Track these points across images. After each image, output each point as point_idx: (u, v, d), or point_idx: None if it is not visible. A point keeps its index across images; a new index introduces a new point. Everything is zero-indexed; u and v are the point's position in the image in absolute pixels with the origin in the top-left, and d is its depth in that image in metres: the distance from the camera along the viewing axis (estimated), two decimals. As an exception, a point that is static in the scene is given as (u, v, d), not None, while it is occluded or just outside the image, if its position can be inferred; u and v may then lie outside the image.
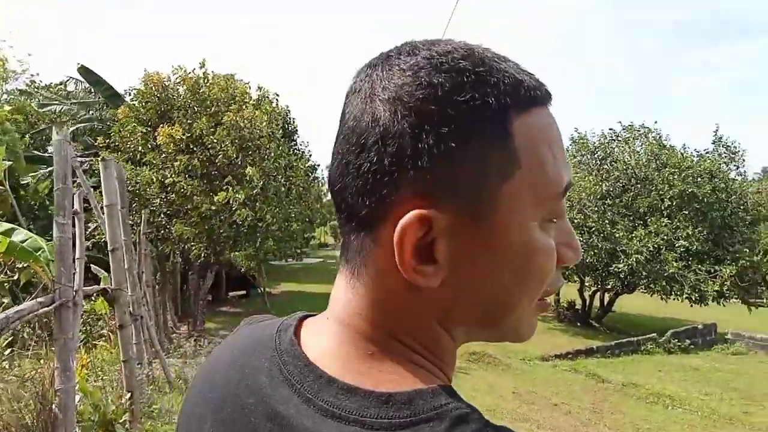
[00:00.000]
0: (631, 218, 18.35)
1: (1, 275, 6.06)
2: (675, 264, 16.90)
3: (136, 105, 10.62)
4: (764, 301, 22.82)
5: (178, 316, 13.73)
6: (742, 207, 18.80)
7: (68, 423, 3.24)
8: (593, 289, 19.60)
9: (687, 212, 18.13)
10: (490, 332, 0.55)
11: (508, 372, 11.46)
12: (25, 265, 5.90)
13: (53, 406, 3.31)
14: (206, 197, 9.21)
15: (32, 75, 20.97)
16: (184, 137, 9.37)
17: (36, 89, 17.13)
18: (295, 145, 18.99)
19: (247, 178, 9.31)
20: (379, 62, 0.52)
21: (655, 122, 26.45)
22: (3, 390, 3.68)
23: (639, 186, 18.85)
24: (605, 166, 19.50)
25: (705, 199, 17.97)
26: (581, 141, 20.18)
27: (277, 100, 14.44)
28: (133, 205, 9.95)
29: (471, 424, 0.44)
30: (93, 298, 7.60)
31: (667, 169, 18.44)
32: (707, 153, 19.32)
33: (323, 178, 13.09)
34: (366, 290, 0.52)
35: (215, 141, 9.32)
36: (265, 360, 0.55)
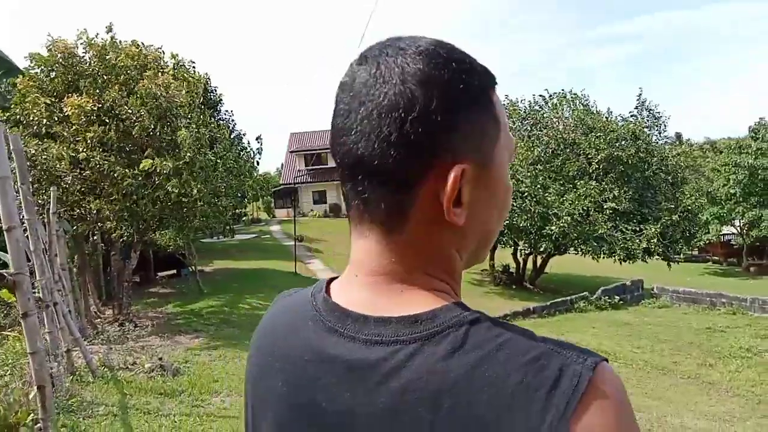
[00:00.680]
0: (562, 182, 18.77)
1: None
2: (604, 225, 17.47)
3: (38, 74, 9.64)
4: (681, 257, 24.19)
5: (102, 300, 12.88)
6: (663, 169, 19.63)
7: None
8: (526, 252, 20.01)
9: (613, 175, 18.73)
10: (480, 255, 0.71)
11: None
12: None
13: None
14: (127, 170, 8.42)
15: None
16: (95, 108, 8.53)
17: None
18: (219, 114, 18.10)
19: (179, 144, 8.56)
20: (387, 46, 0.63)
21: (583, 89, 27.04)
22: None
23: (568, 150, 19.28)
24: (536, 132, 19.80)
25: (629, 161, 18.60)
26: (512, 108, 20.34)
27: (194, 68, 13.61)
28: (42, 183, 9.07)
29: (483, 323, 0.57)
30: (-2, 286, 6.85)
31: (593, 133, 18.91)
32: (631, 116, 19.96)
33: (251, 149, 12.46)
34: (406, 241, 0.62)
35: (129, 111, 8.53)
36: (308, 319, 0.66)
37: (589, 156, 18.84)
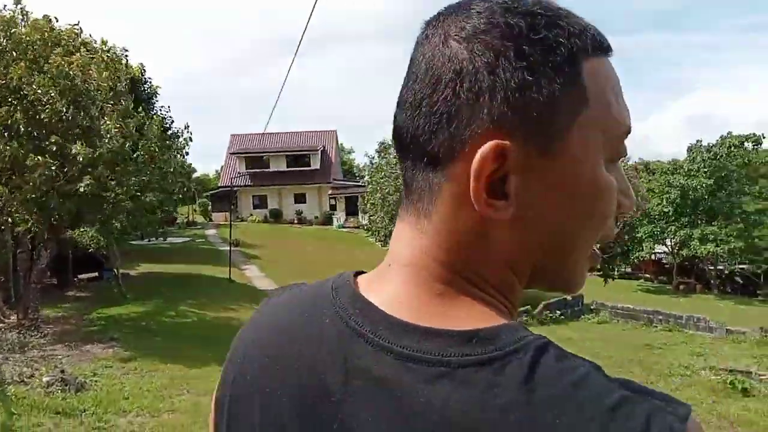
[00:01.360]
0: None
1: None
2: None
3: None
4: (616, 274, 24.68)
5: (8, 304, 11.58)
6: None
7: None
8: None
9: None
10: (549, 276, 0.55)
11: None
12: None
13: None
14: (40, 157, 7.39)
15: None
16: (-3, 87, 7.52)
17: None
18: (153, 109, 16.98)
19: (98, 132, 7.63)
20: (451, 10, 0.52)
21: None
22: None
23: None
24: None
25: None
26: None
27: (126, 57, 12.60)
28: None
29: (551, 351, 0.45)
30: None
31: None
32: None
33: (182, 138, 11.50)
34: (435, 229, 0.52)
35: (39, 91, 7.54)
36: (326, 318, 0.53)
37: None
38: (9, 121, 7.68)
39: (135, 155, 9.88)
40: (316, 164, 38.22)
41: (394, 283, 0.53)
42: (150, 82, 18.43)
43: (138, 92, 15.23)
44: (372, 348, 0.49)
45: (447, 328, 0.47)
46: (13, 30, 8.10)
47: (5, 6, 8.60)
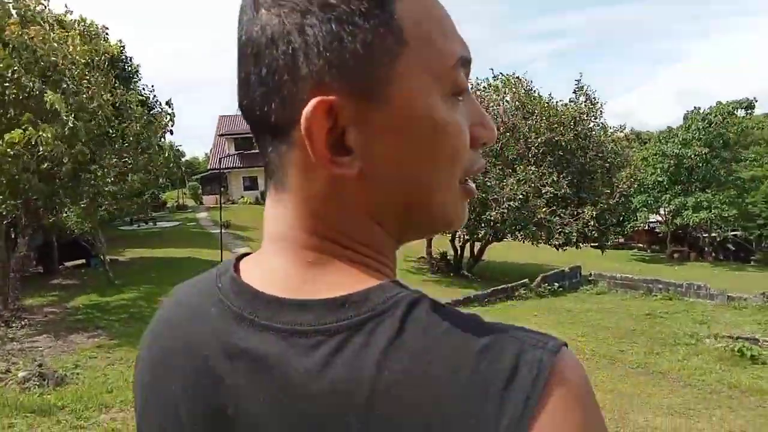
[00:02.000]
0: (501, 167, 18.27)
1: None
2: (542, 210, 17.13)
3: None
4: (609, 244, 24.46)
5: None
6: (600, 155, 19.57)
7: None
8: (465, 238, 19.48)
9: (552, 159, 18.42)
10: (422, 223, 0.54)
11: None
12: None
13: None
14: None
15: None
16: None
17: None
18: (133, 88, 16.35)
19: (48, 108, 7.11)
20: None
21: (525, 72, 26.74)
22: None
23: (508, 135, 18.80)
24: (475, 115, 19.20)
25: (569, 146, 18.35)
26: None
27: (106, 34, 11.99)
28: None
29: (423, 305, 0.46)
30: None
31: (534, 116, 18.53)
32: (571, 102, 19.74)
33: (165, 114, 10.94)
34: (293, 198, 0.52)
35: (1, 65, 6.99)
36: (211, 305, 0.53)
37: (529, 140, 18.43)
38: (-28, 100, 7.18)
39: (113, 134, 9.39)
40: (305, 143, 37.55)
41: (269, 260, 0.53)
42: (131, 61, 17.80)
43: (117, 71, 14.64)
44: (255, 330, 0.49)
45: (320, 297, 0.48)
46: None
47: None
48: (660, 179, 30.37)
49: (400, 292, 0.47)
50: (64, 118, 7.48)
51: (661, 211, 32.50)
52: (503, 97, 19.58)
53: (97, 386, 5.48)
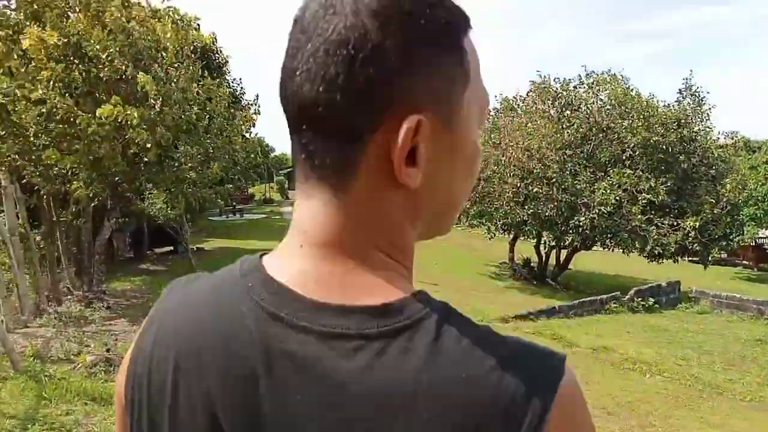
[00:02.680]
0: (592, 170, 17.10)
1: None
2: (638, 217, 15.85)
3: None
4: (715, 256, 22.42)
5: (79, 276, 11.59)
6: (705, 161, 17.91)
7: None
8: (551, 244, 18.43)
9: (650, 163, 17.03)
10: (437, 228, 0.61)
11: (465, 336, 10.06)
12: None
13: None
14: (90, 116, 6.97)
15: None
16: (60, 42, 7.13)
17: None
18: (223, 80, 16.62)
19: (139, 91, 7.11)
20: None
21: (622, 69, 25.08)
22: None
23: (601, 135, 17.58)
24: (566, 113, 18.12)
25: (670, 149, 16.88)
26: (543, 86, 18.64)
27: (198, 25, 12.14)
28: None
29: (454, 316, 0.51)
30: None
31: (632, 115, 17.21)
32: (676, 102, 18.22)
33: (252, 107, 10.97)
34: (353, 203, 0.53)
35: (97, 48, 7.09)
36: (242, 306, 0.53)
37: (624, 141, 17.10)
38: (66, 80, 7.30)
39: (198, 123, 9.42)
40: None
41: (306, 261, 0.54)
42: (221, 52, 18.15)
43: (209, 61, 14.91)
44: (293, 330, 0.50)
45: (361, 304, 0.51)
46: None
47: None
48: (772, 190, 27.63)
49: (431, 303, 0.52)
50: (152, 100, 7.49)
51: (772, 226, 29.61)
52: (597, 96, 18.35)
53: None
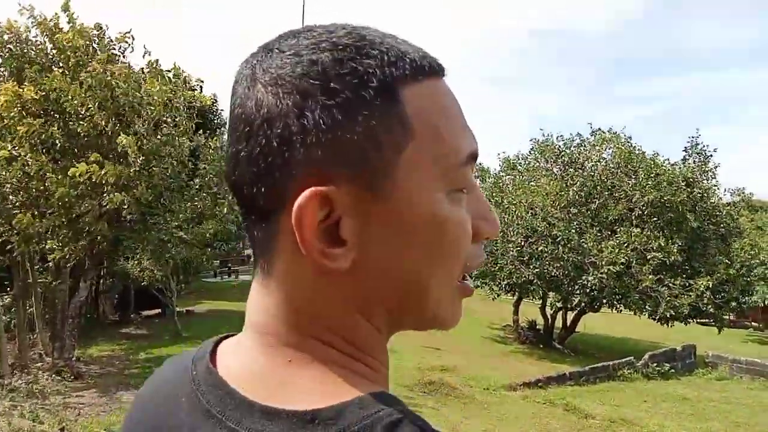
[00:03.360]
0: (599, 228, 16.57)
1: None
2: (648, 278, 15.19)
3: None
4: (728, 319, 21.58)
5: (52, 341, 10.84)
6: (713, 220, 17.44)
7: None
8: (557, 306, 17.67)
9: (659, 222, 16.52)
10: (413, 319, 0.51)
11: (471, 407, 9.26)
12: None
13: None
14: (60, 175, 6.51)
15: None
16: (37, 96, 6.75)
17: None
18: (218, 138, 16.41)
19: (119, 151, 6.68)
20: (260, 50, 0.49)
21: (624, 127, 24.97)
22: None
23: (606, 194, 17.16)
24: (570, 171, 17.79)
25: (681, 208, 16.41)
26: (545, 144, 18.41)
27: (200, 86, 11.92)
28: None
29: (402, 427, 0.41)
30: None
31: (639, 174, 16.84)
32: (683, 161, 17.94)
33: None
34: (278, 286, 0.48)
35: (76, 102, 6.69)
36: (182, 395, 0.51)
37: (632, 200, 16.65)
38: (43, 135, 6.87)
39: (187, 180, 8.97)
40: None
41: (246, 352, 0.50)
42: (221, 114, 18.06)
43: (206, 121, 14.69)
44: (220, 429, 0.46)
45: (289, 407, 0.44)
46: (57, 35, 7.38)
47: (57, 15, 7.95)
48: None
49: (378, 411, 0.42)
50: (131, 159, 7.05)
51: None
52: (601, 154, 18.07)
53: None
